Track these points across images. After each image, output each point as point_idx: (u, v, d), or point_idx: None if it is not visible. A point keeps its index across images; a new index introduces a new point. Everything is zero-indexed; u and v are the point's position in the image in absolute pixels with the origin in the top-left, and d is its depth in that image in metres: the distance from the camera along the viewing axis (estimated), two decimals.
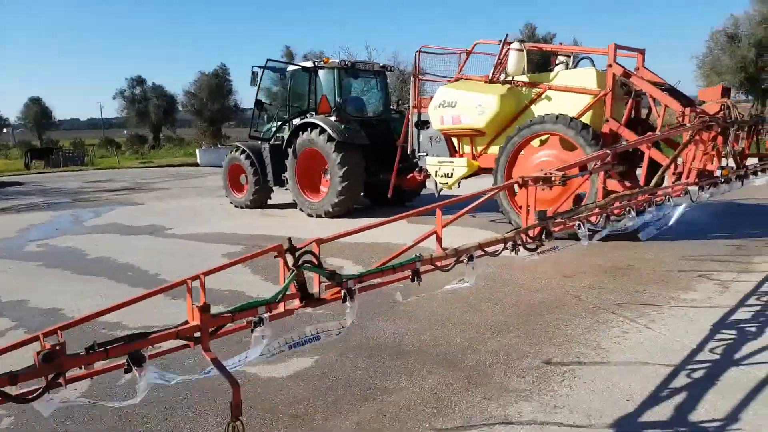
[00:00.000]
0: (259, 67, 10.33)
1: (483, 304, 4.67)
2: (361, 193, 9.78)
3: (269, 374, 3.42)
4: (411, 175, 9.55)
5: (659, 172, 5.18)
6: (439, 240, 3.19)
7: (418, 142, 8.99)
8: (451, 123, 8.10)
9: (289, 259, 2.26)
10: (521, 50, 7.41)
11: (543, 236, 3.60)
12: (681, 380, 3.19)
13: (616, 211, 4.65)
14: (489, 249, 3.20)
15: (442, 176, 8.47)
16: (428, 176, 9.08)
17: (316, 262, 2.34)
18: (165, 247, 7.63)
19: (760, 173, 7.21)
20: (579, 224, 3.89)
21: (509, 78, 7.67)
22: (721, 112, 6.41)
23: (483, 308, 4.56)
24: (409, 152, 9.15)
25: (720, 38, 28.13)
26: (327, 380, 3.33)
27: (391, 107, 11.21)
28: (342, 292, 2.36)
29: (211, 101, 43.22)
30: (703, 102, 6.72)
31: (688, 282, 5.16)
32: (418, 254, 2.76)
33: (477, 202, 3.43)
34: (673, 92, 7.08)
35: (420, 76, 8.87)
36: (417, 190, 10.57)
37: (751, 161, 7.57)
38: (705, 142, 5.90)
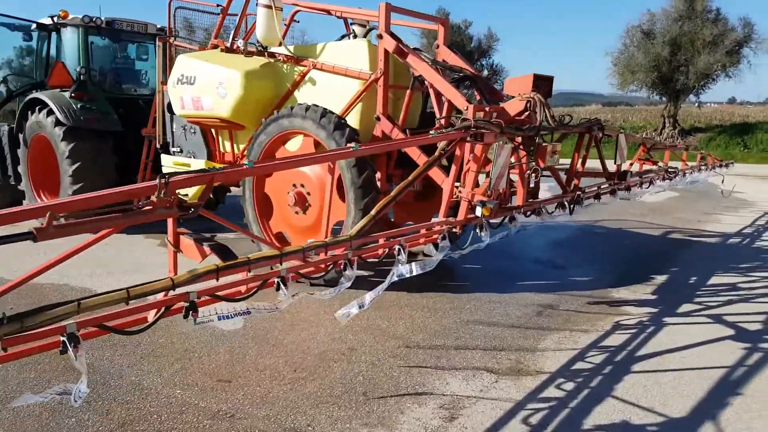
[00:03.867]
0: None
1: None
2: None
3: None
4: None
5: (377, 208, 3.07)
6: None
7: (172, 133, 6.53)
8: (192, 108, 5.67)
9: None
10: (270, 7, 5.04)
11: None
12: None
13: (291, 277, 2.57)
14: None
15: None
16: None
17: None
18: None
19: (590, 200, 5.23)
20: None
21: (261, 48, 5.35)
22: (525, 113, 4.35)
23: None
24: (158, 146, 6.65)
25: (636, 34, 26.95)
26: None
27: None
28: None
29: None
30: (512, 97, 4.62)
31: (398, 403, 2.99)
32: None
33: None
34: (478, 82, 4.97)
35: (172, 40, 6.37)
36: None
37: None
38: (479, 158, 3.80)
